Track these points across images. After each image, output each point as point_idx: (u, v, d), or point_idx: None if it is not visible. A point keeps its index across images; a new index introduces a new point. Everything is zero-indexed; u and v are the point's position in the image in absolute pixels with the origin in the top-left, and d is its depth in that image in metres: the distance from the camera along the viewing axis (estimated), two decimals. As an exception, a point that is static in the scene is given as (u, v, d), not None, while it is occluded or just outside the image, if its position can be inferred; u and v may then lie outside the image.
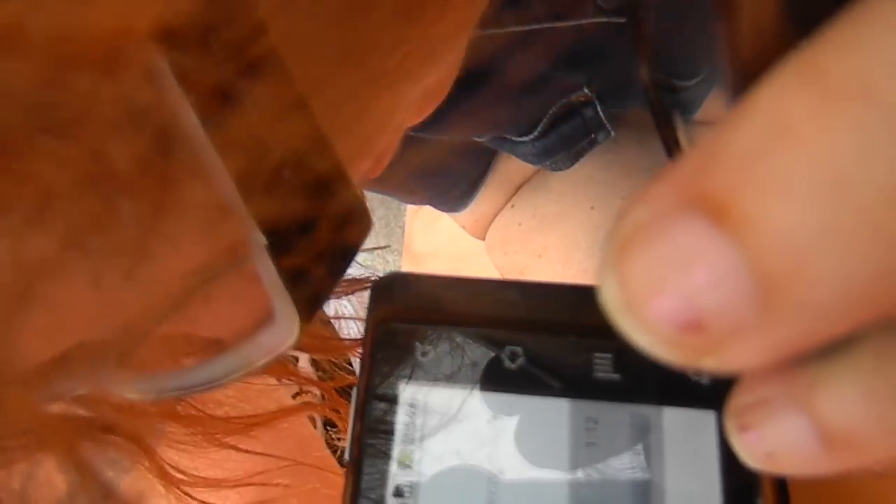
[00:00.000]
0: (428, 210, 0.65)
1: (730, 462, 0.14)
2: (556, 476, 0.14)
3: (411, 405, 0.14)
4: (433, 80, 0.21)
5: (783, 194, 0.07)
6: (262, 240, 0.12)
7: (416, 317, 0.15)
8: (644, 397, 0.14)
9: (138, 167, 0.11)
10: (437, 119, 0.44)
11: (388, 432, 0.14)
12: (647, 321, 0.08)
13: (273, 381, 0.35)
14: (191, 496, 0.29)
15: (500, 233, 0.63)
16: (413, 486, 0.14)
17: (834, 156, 0.07)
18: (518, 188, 0.64)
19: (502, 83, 0.43)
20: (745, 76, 0.09)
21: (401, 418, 0.14)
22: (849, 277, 0.07)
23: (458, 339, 0.15)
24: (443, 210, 0.64)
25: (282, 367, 0.35)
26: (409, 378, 0.14)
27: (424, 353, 0.14)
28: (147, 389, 0.16)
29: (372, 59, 0.15)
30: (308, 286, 0.13)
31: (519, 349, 0.14)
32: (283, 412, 0.33)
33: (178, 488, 0.29)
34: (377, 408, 0.14)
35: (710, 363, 0.09)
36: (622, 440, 0.14)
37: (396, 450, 0.14)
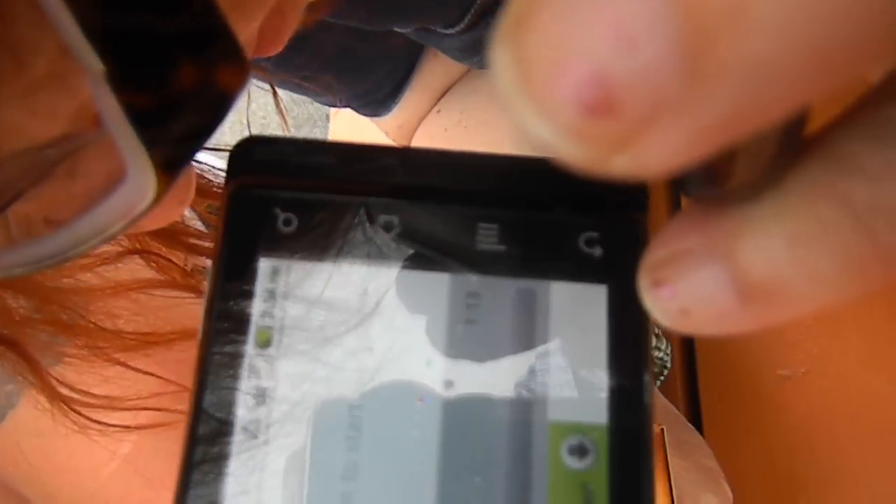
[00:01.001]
0: (350, 117, 0.62)
1: (619, 341, 0.13)
2: (431, 355, 0.12)
3: (272, 280, 0.12)
4: None
5: None
6: (97, 65, 0.10)
7: (279, 183, 0.13)
8: (530, 271, 0.13)
9: None
10: (359, 5, 0.41)
11: (244, 310, 0.12)
12: (548, 103, 0.07)
13: (175, 294, 0.33)
14: (79, 413, 0.27)
15: (425, 139, 0.61)
16: (271, 367, 0.12)
17: None
18: (444, 92, 0.62)
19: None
20: None
21: (259, 294, 0.12)
22: (795, 18, 0.06)
23: (327, 207, 0.13)
24: (365, 114, 0.61)
25: (187, 280, 0.32)
26: (270, 250, 0.13)
27: (287, 223, 0.13)
28: None
29: None
30: (165, 133, 0.11)
31: (394, 218, 0.13)
32: (183, 333, 0.31)
33: (65, 404, 0.27)
34: (232, 284, 0.12)
35: (622, 162, 0.07)
36: (505, 317, 0.13)
37: (253, 329, 0.12)
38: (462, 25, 0.45)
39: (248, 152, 0.13)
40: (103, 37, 0.10)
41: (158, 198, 0.12)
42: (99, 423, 0.28)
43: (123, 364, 0.28)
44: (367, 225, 0.13)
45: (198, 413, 0.12)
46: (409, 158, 0.13)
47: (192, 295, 0.32)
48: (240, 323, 0.12)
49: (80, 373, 0.28)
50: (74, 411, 0.27)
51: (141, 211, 0.12)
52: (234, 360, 0.12)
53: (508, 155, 0.13)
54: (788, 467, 0.50)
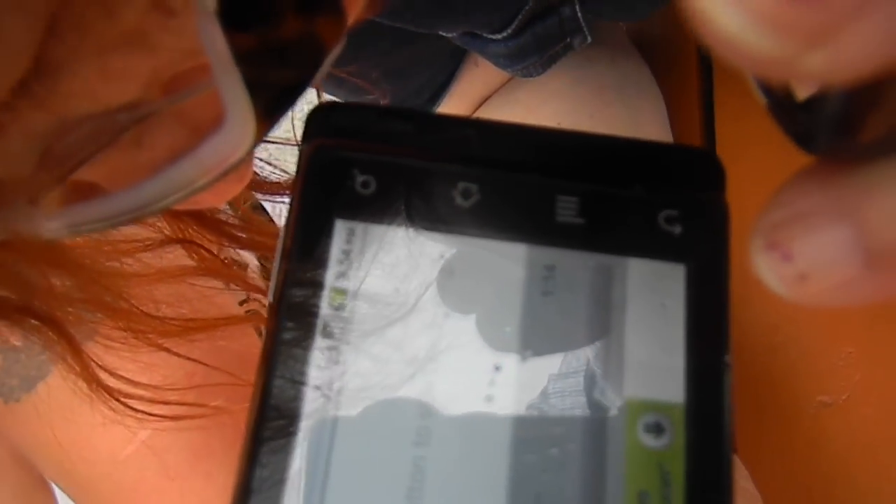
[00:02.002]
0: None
1: (698, 320, 0.12)
2: (507, 325, 0.12)
3: (347, 242, 0.12)
4: None
5: None
6: (210, 2, 0.10)
7: (357, 146, 0.13)
8: (609, 246, 0.13)
9: None
10: (408, 6, 0.41)
11: (319, 271, 0.12)
12: None
13: (217, 284, 0.33)
14: (116, 399, 0.27)
15: (462, 147, 0.61)
16: (344, 328, 0.12)
17: None
18: (482, 102, 0.62)
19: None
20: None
21: (334, 256, 0.12)
22: None
23: (405, 171, 0.13)
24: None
25: (227, 270, 0.32)
26: (346, 213, 0.12)
27: (365, 185, 0.13)
28: (63, 224, 0.14)
29: None
30: (266, 80, 0.11)
31: (473, 186, 0.13)
32: (226, 320, 0.31)
33: (107, 392, 0.27)
34: (307, 245, 0.12)
35: (815, 62, 0.06)
36: (582, 291, 0.12)
37: (327, 290, 0.12)
38: (509, 31, 0.45)
39: (326, 115, 0.13)
40: None
41: (254, 146, 0.12)
42: (140, 412, 0.28)
43: (166, 349, 0.28)
44: (445, 192, 0.13)
45: (269, 371, 0.12)
46: (488, 130, 0.13)
47: (230, 285, 0.32)
48: (314, 282, 0.12)
49: (119, 358, 0.28)
50: (116, 400, 0.27)
51: (236, 159, 0.12)
52: (308, 318, 0.12)
53: (588, 132, 0.13)
54: (826, 496, 0.49)
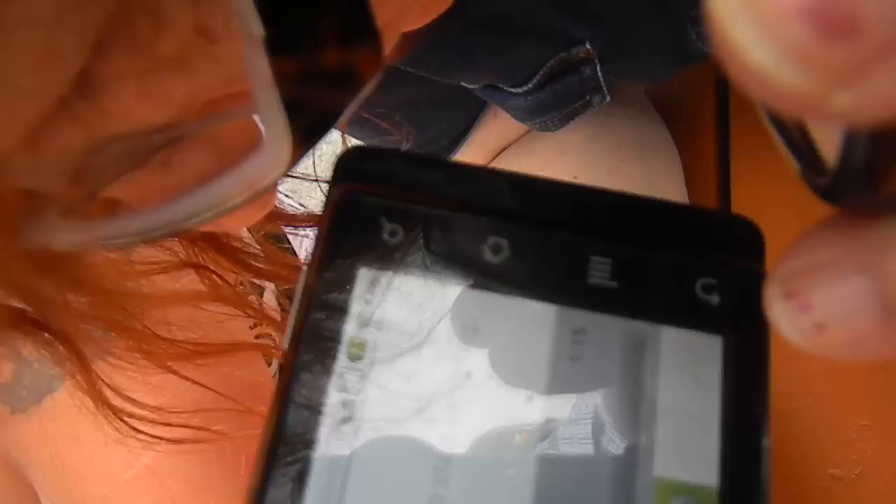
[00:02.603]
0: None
1: (734, 401, 0.12)
2: (531, 389, 0.12)
3: (370, 291, 0.12)
4: None
5: None
6: (258, 29, 0.10)
7: (386, 193, 0.12)
8: (642, 312, 0.12)
9: None
10: (433, 56, 0.42)
11: (339, 319, 0.12)
12: (777, 18, 0.06)
13: (229, 310, 0.32)
14: (122, 419, 0.27)
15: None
16: (361, 381, 0.11)
17: None
18: (500, 151, 0.62)
19: (503, 25, 0.40)
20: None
21: (355, 306, 0.12)
22: None
23: (434, 222, 0.12)
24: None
25: (240, 297, 0.32)
26: (371, 260, 0.12)
27: (392, 234, 0.12)
28: (91, 237, 0.14)
29: None
30: (304, 105, 0.11)
31: (504, 241, 0.12)
32: (235, 346, 0.30)
33: (112, 411, 0.26)
34: (330, 289, 0.12)
35: (843, 101, 0.06)
36: (612, 358, 0.12)
37: (346, 339, 0.12)
38: (529, 86, 0.45)
39: (356, 160, 0.13)
40: (267, 4, 0.10)
41: (287, 169, 0.12)
42: (142, 433, 0.27)
43: (175, 372, 0.27)
44: (474, 246, 0.12)
45: (280, 421, 0.11)
46: (521, 183, 0.13)
47: (241, 313, 0.32)
48: (333, 331, 0.12)
49: (127, 378, 0.27)
50: (122, 420, 0.27)
51: (270, 181, 0.12)
52: (323, 370, 0.11)
53: (625, 192, 0.13)
54: (838, 577, 0.46)
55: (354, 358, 0.11)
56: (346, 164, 0.13)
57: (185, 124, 0.13)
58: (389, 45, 0.19)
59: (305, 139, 0.12)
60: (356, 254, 0.12)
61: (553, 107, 0.46)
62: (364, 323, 0.12)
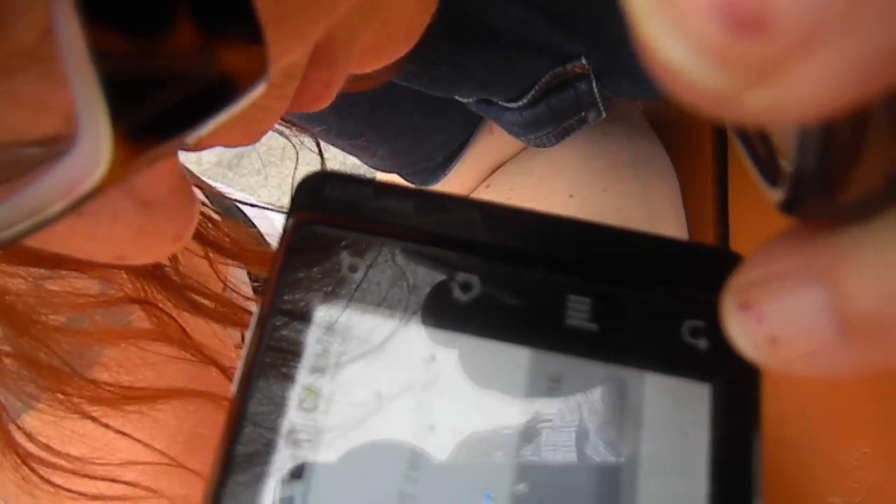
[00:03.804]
0: (396, 181, 0.62)
1: (724, 455, 0.11)
2: (502, 443, 0.11)
3: (327, 330, 0.11)
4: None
5: None
6: None
7: (348, 224, 0.11)
8: (624, 357, 0.11)
9: None
10: (426, 70, 0.41)
11: (293, 361, 0.11)
12: (690, 15, 0.06)
13: (168, 352, 0.29)
14: (33, 471, 0.24)
15: (471, 212, 0.60)
16: (314, 434, 0.10)
17: None
18: (495, 169, 0.62)
19: (497, 39, 0.40)
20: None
21: (311, 345, 0.11)
22: None
23: (399, 255, 0.11)
24: (412, 182, 0.61)
25: (184, 338, 0.29)
26: (330, 296, 0.11)
27: (353, 268, 0.11)
28: None
29: None
30: (138, 95, 0.09)
31: (474, 278, 0.11)
32: (168, 392, 0.27)
33: (16, 453, 0.23)
34: (282, 329, 0.11)
35: (760, 99, 0.06)
36: (591, 408, 0.11)
37: (299, 385, 0.11)
38: (525, 101, 0.45)
39: (317, 186, 0.12)
40: None
41: (112, 175, 0.10)
42: (54, 485, 0.25)
43: (93, 419, 0.24)
44: (443, 283, 0.11)
45: (225, 472, 0.10)
46: (494, 214, 0.12)
47: (185, 355, 0.29)
48: (285, 377, 0.11)
49: (44, 423, 0.25)
50: (29, 468, 0.24)
51: (90, 187, 0.10)
52: (272, 422, 0.10)
53: (608, 224, 0.12)
54: None
55: (308, 408, 0.10)
56: (307, 190, 0.12)
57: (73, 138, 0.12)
58: (342, 74, 0.18)
59: (140, 137, 0.10)
60: (312, 290, 0.11)
61: (548, 122, 0.46)
62: (319, 368, 0.11)
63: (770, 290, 0.08)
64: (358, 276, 0.11)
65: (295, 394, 0.10)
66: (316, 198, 0.12)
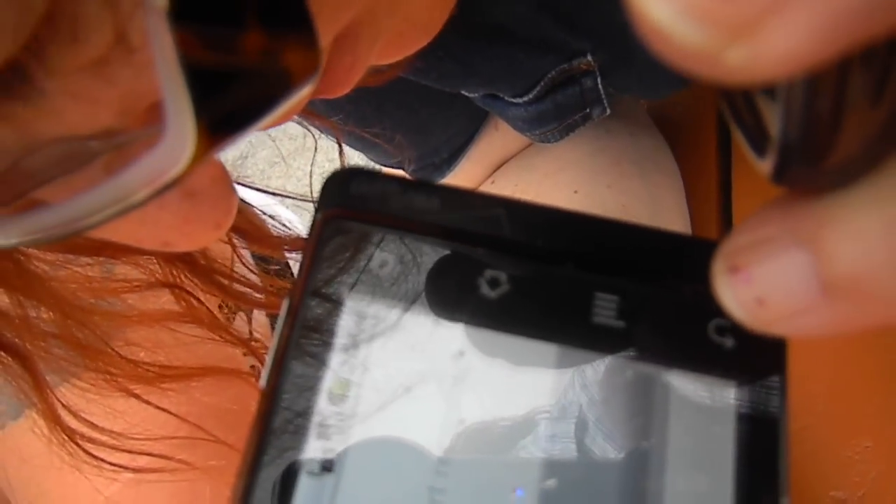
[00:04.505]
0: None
1: (749, 453, 0.11)
2: (529, 438, 0.11)
3: (356, 323, 0.11)
4: None
5: None
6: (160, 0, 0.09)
7: (376, 220, 0.12)
8: (651, 355, 0.11)
9: None
10: (433, 66, 0.41)
11: (322, 354, 0.11)
12: None
13: (199, 333, 0.31)
14: (77, 445, 0.25)
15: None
16: (344, 426, 0.10)
17: None
18: (500, 165, 0.62)
19: (504, 37, 0.40)
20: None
21: (340, 342, 0.11)
22: None
23: (427, 253, 0.11)
24: (418, 177, 0.61)
25: (214, 320, 0.30)
26: (358, 290, 0.11)
27: (381, 264, 0.11)
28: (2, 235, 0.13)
29: None
30: (216, 92, 0.10)
31: (502, 275, 0.11)
32: (206, 370, 0.29)
33: (66, 434, 0.25)
34: (310, 327, 0.11)
35: (737, 56, 0.06)
36: (616, 403, 0.11)
37: (329, 378, 0.11)
38: (530, 96, 0.45)
39: (346, 183, 0.12)
40: None
41: (194, 164, 0.11)
42: (98, 459, 0.26)
43: (136, 396, 0.26)
44: (470, 279, 0.11)
45: (254, 471, 0.10)
46: (522, 211, 0.12)
47: (216, 336, 0.30)
48: (315, 368, 0.11)
49: (87, 401, 0.26)
50: (75, 443, 0.25)
51: (172, 176, 0.11)
52: (303, 411, 0.10)
53: (635, 223, 0.12)
54: None
55: (337, 399, 0.11)
56: (335, 186, 0.12)
57: (128, 131, 0.12)
58: (364, 62, 0.18)
59: (218, 131, 0.11)
60: (342, 286, 0.11)
61: (553, 118, 0.46)
62: (348, 360, 0.11)
63: (757, 254, 0.09)
64: (385, 271, 0.11)
65: (325, 386, 0.11)
66: (344, 194, 0.12)
